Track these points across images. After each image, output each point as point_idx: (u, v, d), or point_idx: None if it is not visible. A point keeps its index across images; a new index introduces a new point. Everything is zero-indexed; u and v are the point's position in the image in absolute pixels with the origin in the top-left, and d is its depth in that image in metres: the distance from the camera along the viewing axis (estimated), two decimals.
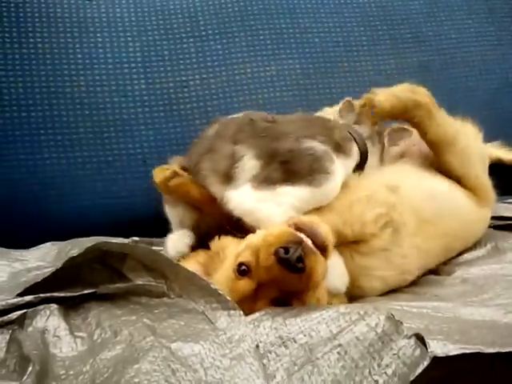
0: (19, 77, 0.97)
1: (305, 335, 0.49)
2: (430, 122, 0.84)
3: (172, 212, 0.80)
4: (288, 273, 0.56)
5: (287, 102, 1.07)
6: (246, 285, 0.59)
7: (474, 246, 0.86)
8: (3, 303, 0.58)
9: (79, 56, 1.01)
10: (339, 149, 0.72)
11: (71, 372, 0.50)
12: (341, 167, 0.71)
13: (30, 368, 0.49)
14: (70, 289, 0.61)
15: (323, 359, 0.47)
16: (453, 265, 0.81)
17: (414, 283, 0.75)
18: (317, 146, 0.70)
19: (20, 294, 0.60)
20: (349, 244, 0.68)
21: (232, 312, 0.55)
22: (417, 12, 1.20)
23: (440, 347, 0.42)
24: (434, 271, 0.79)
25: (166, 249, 0.78)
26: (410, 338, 0.45)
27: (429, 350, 0.42)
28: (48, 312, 0.57)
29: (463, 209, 0.84)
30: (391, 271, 0.71)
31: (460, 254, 0.85)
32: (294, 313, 0.53)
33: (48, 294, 0.60)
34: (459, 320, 0.53)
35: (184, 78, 1.04)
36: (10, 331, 0.55)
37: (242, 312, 0.55)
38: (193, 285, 0.59)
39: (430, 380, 0.42)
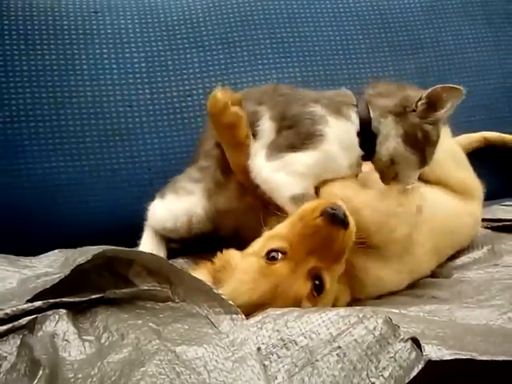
0: (27, 88, 0.99)
1: (305, 337, 0.51)
2: None
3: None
4: (335, 228, 0.61)
5: None
6: (282, 267, 0.62)
7: (471, 248, 0.87)
8: (14, 309, 0.59)
9: (85, 67, 1.03)
10: (337, 112, 0.75)
11: (80, 375, 0.52)
12: (336, 128, 0.74)
13: (41, 372, 0.51)
14: (78, 294, 0.63)
15: (323, 361, 0.48)
16: (450, 268, 0.82)
17: (413, 285, 0.76)
18: (318, 109, 0.75)
19: (30, 300, 0.61)
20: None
21: (234, 316, 0.57)
22: (415, 19, 1.22)
23: (435, 351, 0.43)
24: (432, 274, 0.81)
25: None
26: (406, 341, 0.46)
27: (424, 354, 0.44)
28: (57, 317, 0.59)
29: (449, 205, 0.86)
30: (393, 270, 0.72)
31: (457, 256, 0.86)
32: (295, 315, 0.54)
33: (57, 300, 0.61)
34: (454, 325, 0.54)
35: (187, 88, 1.06)
36: (21, 336, 0.56)
37: (244, 316, 0.57)
38: (197, 289, 0.61)
39: (423, 381, 0.44)
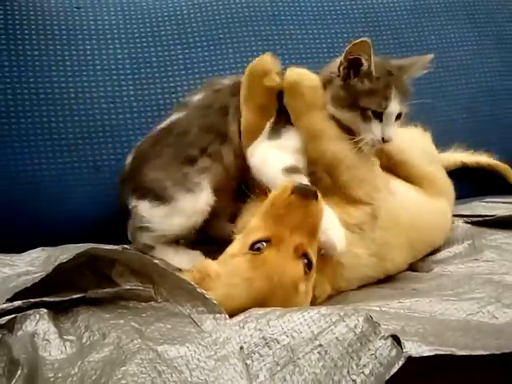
0: (8, 84, 0.98)
1: (287, 336, 0.51)
2: None
3: None
4: (307, 201, 0.65)
5: None
6: (270, 253, 0.63)
7: (452, 242, 0.89)
8: None
9: (68, 63, 1.01)
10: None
11: (60, 375, 0.51)
12: None
13: (19, 372, 0.50)
14: (59, 294, 0.62)
15: (304, 359, 0.48)
16: (430, 262, 0.83)
17: (393, 279, 0.77)
18: None
19: (10, 299, 0.60)
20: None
21: (217, 315, 0.57)
22: (399, 18, 1.22)
23: (415, 348, 0.44)
24: (413, 268, 0.82)
25: (175, 257, 0.82)
26: (386, 338, 0.47)
27: (404, 351, 0.44)
28: (38, 316, 0.58)
29: (419, 201, 0.87)
30: (365, 249, 0.74)
31: (437, 250, 0.87)
32: (277, 314, 0.54)
33: (38, 299, 0.60)
34: (434, 321, 0.55)
35: (172, 85, 1.05)
36: (0, 336, 0.55)
37: (227, 315, 0.57)
38: (180, 289, 0.61)
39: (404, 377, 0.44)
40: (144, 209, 0.82)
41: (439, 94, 1.20)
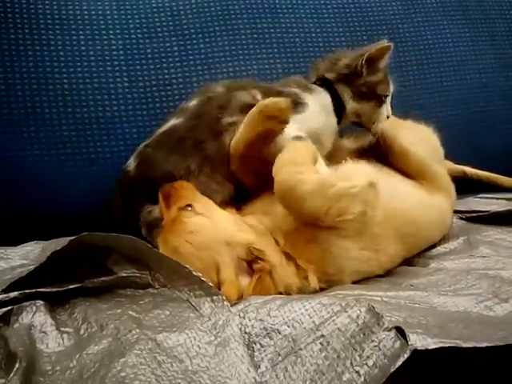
0: (1, 74, 0.96)
1: (288, 326, 0.51)
2: None
3: None
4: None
5: None
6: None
7: (447, 238, 0.89)
8: None
9: (61, 53, 1.00)
10: (306, 89, 0.91)
11: (58, 367, 0.51)
12: (312, 99, 0.90)
13: (17, 365, 0.50)
14: (55, 284, 0.61)
15: (306, 350, 0.48)
16: (427, 257, 0.83)
17: (391, 273, 0.77)
18: (293, 89, 0.91)
19: (5, 291, 0.60)
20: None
21: (215, 298, 0.57)
22: (394, 14, 1.23)
23: (420, 340, 0.44)
24: (410, 263, 0.82)
25: None
26: (390, 330, 0.47)
27: (409, 343, 0.44)
28: (34, 308, 0.58)
29: (413, 195, 0.88)
30: (353, 243, 0.73)
31: (433, 246, 0.87)
32: (278, 304, 0.54)
33: (33, 290, 0.60)
34: (436, 312, 0.55)
35: (167, 77, 1.04)
36: None
37: (224, 297, 0.57)
38: (176, 274, 0.60)
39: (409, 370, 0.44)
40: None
41: (434, 90, 1.21)
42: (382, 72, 0.93)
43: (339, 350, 0.47)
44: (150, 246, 0.63)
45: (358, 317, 0.50)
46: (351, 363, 0.46)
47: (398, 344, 0.45)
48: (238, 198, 0.83)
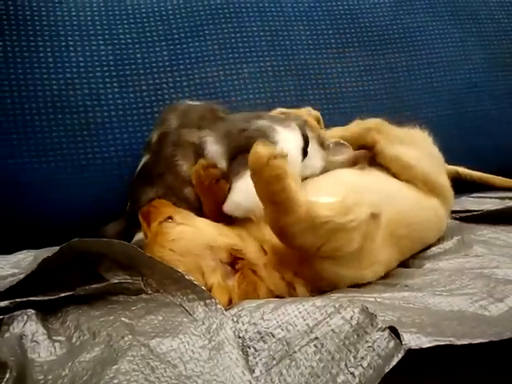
0: None
1: (282, 329, 0.51)
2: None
3: None
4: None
5: (260, 104, 1.09)
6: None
7: (441, 239, 0.89)
8: None
9: (50, 60, 0.99)
10: (281, 123, 0.82)
11: (50, 376, 0.50)
12: (286, 136, 0.80)
13: (8, 375, 0.49)
14: (47, 293, 0.61)
15: (300, 352, 0.48)
16: (421, 258, 0.83)
17: (385, 275, 0.77)
18: (263, 122, 0.82)
19: None
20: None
21: (208, 301, 0.57)
22: (383, 15, 1.23)
23: (414, 340, 0.44)
24: (404, 265, 0.82)
25: None
26: (383, 330, 0.46)
27: (403, 343, 0.44)
28: (25, 317, 0.57)
29: (408, 197, 0.87)
30: (346, 269, 0.70)
31: (428, 247, 0.86)
32: (271, 307, 0.54)
33: (24, 299, 0.59)
34: (430, 311, 0.55)
35: (157, 81, 1.04)
36: None
37: (217, 300, 0.57)
38: (169, 278, 0.60)
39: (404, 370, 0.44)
40: None
41: (425, 91, 1.22)
42: None
43: (333, 352, 0.47)
44: (141, 250, 0.63)
45: (351, 318, 0.49)
46: (346, 365, 0.46)
47: (392, 344, 0.45)
48: None
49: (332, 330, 0.49)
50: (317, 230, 0.63)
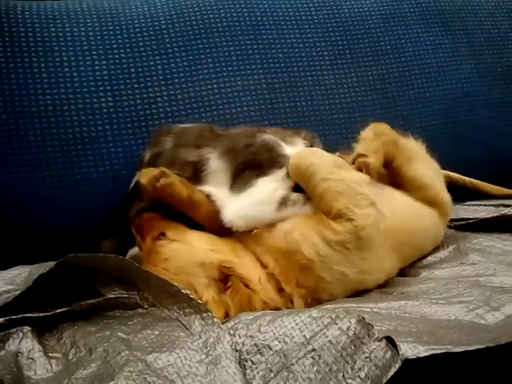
0: None
1: (279, 341, 0.50)
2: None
3: None
4: None
5: (254, 116, 1.09)
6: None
7: (437, 248, 0.89)
8: None
9: (44, 75, 0.99)
10: (285, 139, 0.82)
11: None
12: (292, 150, 0.80)
13: None
14: (42, 309, 0.60)
15: (298, 364, 0.48)
16: (417, 267, 0.83)
17: (383, 283, 0.77)
18: (268, 136, 0.82)
19: None
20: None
21: (205, 315, 0.57)
22: (375, 27, 1.24)
23: (410, 349, 0.44)
24: (401, 273, 0.81)
25: None
26: (380, 340, 0.46)
27: (400, 353, 0.44)
28: (21, 334, 0.57)
29: (407, 205, 0.87)
30: (351, 268, 0.72)
31: (424, 256, 0.86)
32: (268, 320, 0.54)
33: (20, 316, 0.59)
34: (426, 320, 0.55)
35: (151, 95, 1.04)
36: None
37: (214, 314, 0.57)
38: (165, 292, 0.60)
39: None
40: None
41: (417, 101, 1.22)
42: None
43: (331, 363, 0.47)
44: (137, 265, 0.63)
45: (348, 328, 0.49)
46: (343, 376, 0.46)
47: (388, 354, 0.45)
48: None
49: (329, 341, 0.49)
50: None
